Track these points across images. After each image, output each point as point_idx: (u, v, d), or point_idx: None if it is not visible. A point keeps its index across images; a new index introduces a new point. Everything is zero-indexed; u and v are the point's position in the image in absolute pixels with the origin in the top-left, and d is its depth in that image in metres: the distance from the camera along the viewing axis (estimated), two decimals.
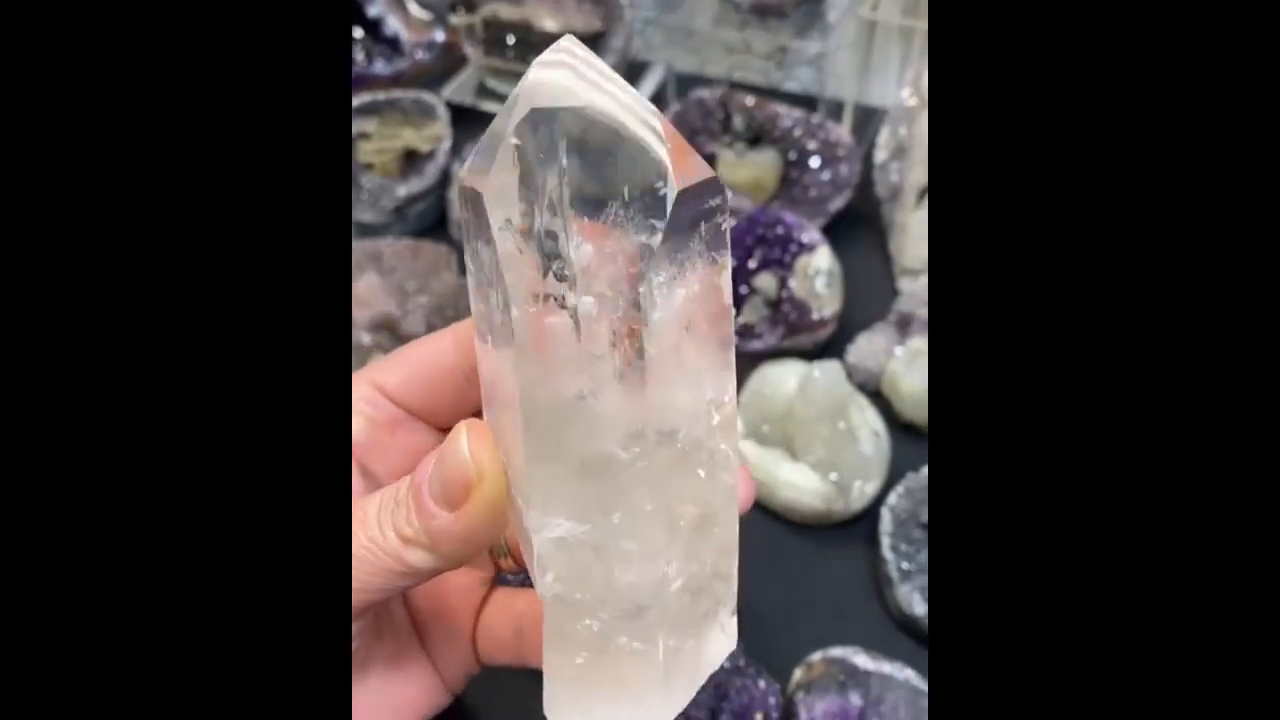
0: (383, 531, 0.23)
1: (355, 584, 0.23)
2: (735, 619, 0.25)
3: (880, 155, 0.66)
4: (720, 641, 0.25)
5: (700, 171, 0.20)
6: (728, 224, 0.21)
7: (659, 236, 0.19)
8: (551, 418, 0.21)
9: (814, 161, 0.69)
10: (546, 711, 0.23)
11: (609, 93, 0.19)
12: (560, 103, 0.19)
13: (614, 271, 0.20)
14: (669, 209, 0.19)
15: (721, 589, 0.24)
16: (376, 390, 0.27)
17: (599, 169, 0.19)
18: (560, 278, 0.20)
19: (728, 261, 0.21)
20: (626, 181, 0.19)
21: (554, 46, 0.20)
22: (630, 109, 0.20)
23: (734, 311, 0.22)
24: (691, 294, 0.21)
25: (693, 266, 0.21)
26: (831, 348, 0.60)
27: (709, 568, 0.24)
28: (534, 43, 0.73)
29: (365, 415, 0.27)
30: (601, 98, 0.19)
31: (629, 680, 0.23)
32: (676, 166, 0.20)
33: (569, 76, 0.19)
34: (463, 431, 0.23)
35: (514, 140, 0.19)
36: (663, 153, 0.19)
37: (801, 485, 0.51)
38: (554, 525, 0.22)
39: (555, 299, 0.20)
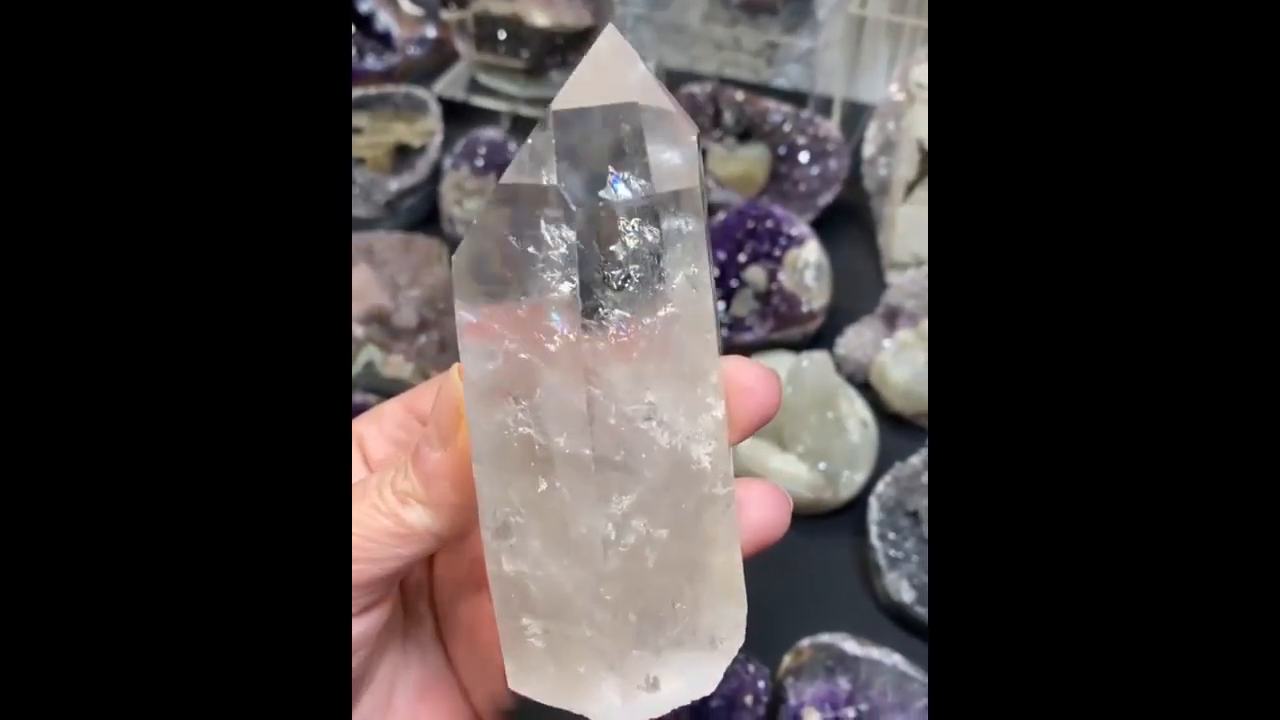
0: (381, 493, 0.24)
1: (358, 552, 0.23)
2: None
3: (869, 150, 0.67)
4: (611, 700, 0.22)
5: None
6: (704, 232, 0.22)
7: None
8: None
9: (803, 156, 0.69)
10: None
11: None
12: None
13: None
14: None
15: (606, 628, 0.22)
16: (409, 414, 0.27)
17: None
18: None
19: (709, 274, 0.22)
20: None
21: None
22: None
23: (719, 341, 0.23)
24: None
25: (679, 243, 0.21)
26: (820, 340, 0.60)
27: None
28: (524, 38, 0.73)
29: (395, 439, 0.27)
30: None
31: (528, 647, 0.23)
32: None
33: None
34: (456, 365, 0.23)
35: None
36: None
37: (790, 475, 0.51)
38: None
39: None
